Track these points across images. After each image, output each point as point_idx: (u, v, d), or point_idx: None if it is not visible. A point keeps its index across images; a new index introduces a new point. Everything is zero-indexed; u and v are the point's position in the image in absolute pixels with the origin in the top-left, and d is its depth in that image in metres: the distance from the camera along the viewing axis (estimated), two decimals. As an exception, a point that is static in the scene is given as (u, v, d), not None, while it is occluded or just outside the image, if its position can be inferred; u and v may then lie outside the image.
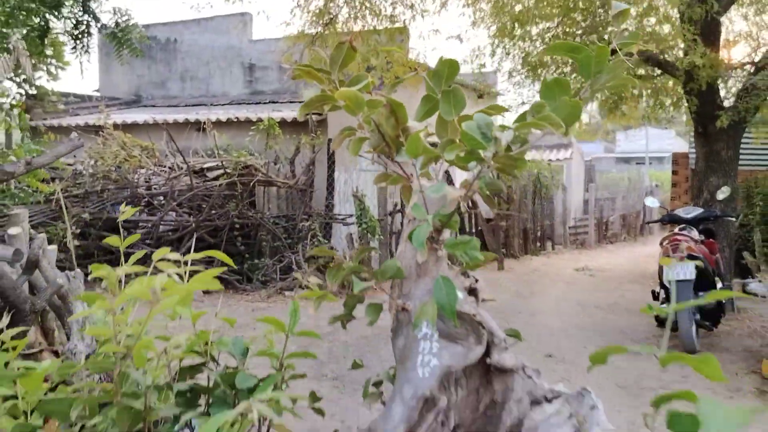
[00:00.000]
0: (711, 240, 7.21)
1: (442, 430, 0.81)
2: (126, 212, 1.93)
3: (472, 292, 0.85)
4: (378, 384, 1.16)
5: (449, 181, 13.38)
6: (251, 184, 10.02)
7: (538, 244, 15.65)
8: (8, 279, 2.85)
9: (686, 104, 8.58)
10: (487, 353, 0.85)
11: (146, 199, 9.67)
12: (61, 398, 1.10)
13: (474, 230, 13.19)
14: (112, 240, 1.72)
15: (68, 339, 3.03)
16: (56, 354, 3.11)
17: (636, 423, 4.38)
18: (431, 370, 0.79)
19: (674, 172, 12.34)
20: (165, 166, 10.23)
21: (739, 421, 1.09)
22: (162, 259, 1.22)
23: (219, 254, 1.36)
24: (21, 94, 11.93)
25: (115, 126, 10.90)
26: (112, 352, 1.16)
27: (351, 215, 10.55)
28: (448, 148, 1.04)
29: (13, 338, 2.44)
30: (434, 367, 0.79)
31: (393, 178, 0.94)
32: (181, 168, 9.88)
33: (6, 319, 3.02)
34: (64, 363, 1.57)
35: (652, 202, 8.06)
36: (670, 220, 7.21)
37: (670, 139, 38.33)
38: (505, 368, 0.86)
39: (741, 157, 10.73)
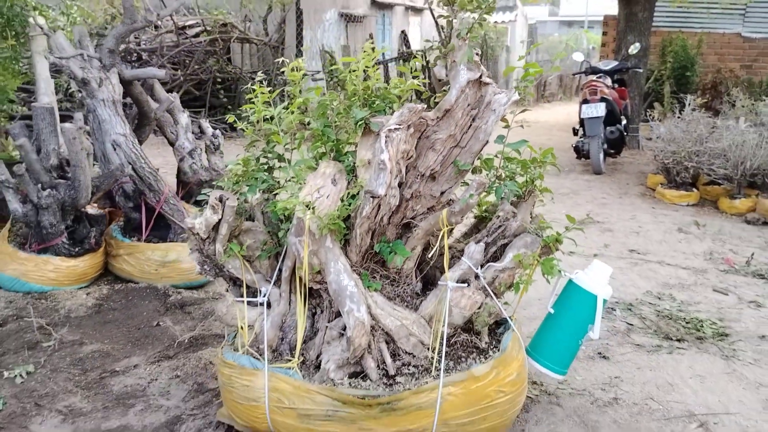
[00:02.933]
0: (622, 88, 8.96)
1: (466, 102, 2.41)
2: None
3: (478, 55, 2.40)
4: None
5: (406, 41, 14.63)
6: (230, 41, 11.11)
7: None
8: (143, 94, 4.29)
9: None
10: (480, 77, 2.43)
11: (136, 54, 10.68)
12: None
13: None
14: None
15: (176, 139, 4.55)
16: (171, 144, 4.60)
17: (552, 211, 6.23)
18: (465, 76, 2.37)
19: (604, 33, 13.89)
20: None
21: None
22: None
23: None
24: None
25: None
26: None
27: (319, 71, 11.80)
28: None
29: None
30: (465, 78, 2.37)
31: None
32: (166, 26, 10.83)
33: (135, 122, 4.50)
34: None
35: (578, 56, 9.67)
36: (591, 71, 8.86)
37: (612, 2, 39.40)
38: (487, 82, 2.44)
39: (660, 18, 12.35)
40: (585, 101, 8.01)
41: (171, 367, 3.11)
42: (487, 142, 2.48)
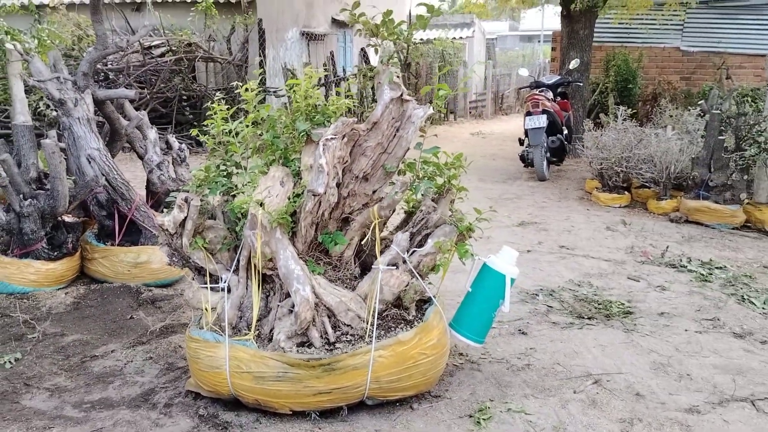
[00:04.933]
0: (565, 100, 9.62)
1: (391, 116, 2.90)
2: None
3: (398, 77, 2.91)
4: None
5: (366, 59, 15.20)
6: (195, 60, 11.54)
7: (441, 115, 17.89)
8: (114, 113, 4.72)
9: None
10: (401, 95, 2.92)
11: (104, 74, 11.03)
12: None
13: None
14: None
15: (145, 153, 4.98)
16: (141, 158, 5.03)
17: (494, 214, 6.76)
18: (389, 94, 2.86)
19: (553, 49, 14.64)
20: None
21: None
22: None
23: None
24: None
25: (68, 7, 11.90)
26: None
27: (281, 88, 12.27)
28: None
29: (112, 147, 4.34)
30: (389, 95, 2.86)
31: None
32: (132, 46, 11.20)
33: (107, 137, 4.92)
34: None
35: (523, 71, 10.33)
36: (536, 85, 9.50)
37: (567, 18, 40.68)
38: (408, 100, 2.94)
39: (603, 34, 13.13)
40: (528, 113, 8.63)
41: (145, 350, 3.54)
42: (409, 148, 2.99)
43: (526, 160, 8.86)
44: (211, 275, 3.11)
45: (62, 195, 4.21)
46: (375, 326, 2.86)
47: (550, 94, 9.08)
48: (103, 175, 4.43)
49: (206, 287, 3.05)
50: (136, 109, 11.22)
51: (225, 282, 3.04)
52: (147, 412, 2.93)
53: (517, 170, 9.49)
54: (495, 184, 8.59)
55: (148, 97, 10.89)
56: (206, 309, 3.00)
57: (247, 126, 3.14)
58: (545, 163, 8.70)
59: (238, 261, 3.05)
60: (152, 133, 5.02)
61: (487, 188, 8.21)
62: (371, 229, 3.00)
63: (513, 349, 3.59)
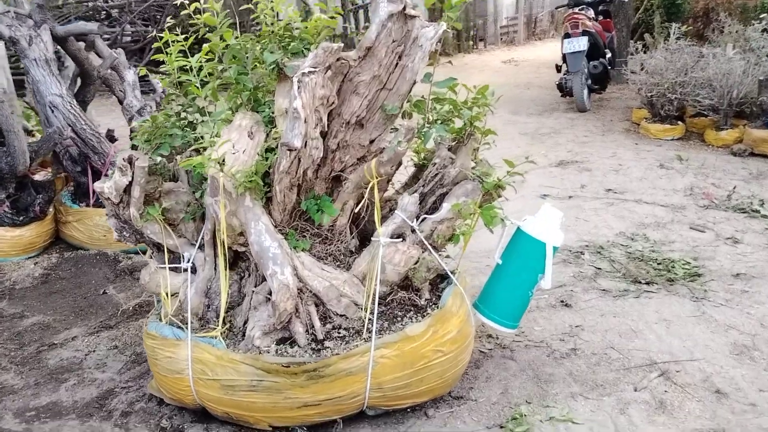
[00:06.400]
0: (607, 20, 8.58)
1: (390, 38, 2.19)
2: None
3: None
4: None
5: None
6: (202, -8, 10.70)
7: (471, 43, 16.76)
8: (82, 52, 4.04)
9: None
10: (404, 9, 2.20)
11: (105, 12, 10.29)
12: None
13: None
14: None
15: (125, 98, 4.31)
16: (121, 103, 4.37)
17: (530, 152, 5.94)
18: (386, 8, 2.15)
19: (592, -36, 13.32)
20: (117, -22, 10.68)
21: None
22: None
23: None
24: None
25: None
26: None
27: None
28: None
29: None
30: (386, 10, 2.14)
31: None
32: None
33: (79, 81, 4.26)
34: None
35: (560, -12, 9.26)
36: (575, 3, 8.47)
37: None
38: (412, 15, 2.21)
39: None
40: (567, 35, 7.68)
41: (110, 337, 2.97)
42: (416, 82, 2.26)
43: (564, 89, 7.94)
44: (173, 252, 2.49)
45: (20, 151, 3.60)
46: (375, 317, 2.21)
47: (591, 13, 8.06)
48: (69, 125, 3.80)
49: (165, 267, 2.43)
50: (141, 50, 10.56)
51: (188, 261, 2.42)
52: (99, 424, 2.37)
53: (553, 100, 8.59)
54: (529, 116, 7.74)
55: (154, 34, 10.13)
56: (165, 296, 2.39)
57: (208, 60, 2.44)
58: (586, 91, 7.79)
59: (204, 235, 2.41)
60: (130, 74, 4.34)
61: (520, 122, 7.38)
62: (369, 189, 2.31)
63: (554, 328, 2.92)
